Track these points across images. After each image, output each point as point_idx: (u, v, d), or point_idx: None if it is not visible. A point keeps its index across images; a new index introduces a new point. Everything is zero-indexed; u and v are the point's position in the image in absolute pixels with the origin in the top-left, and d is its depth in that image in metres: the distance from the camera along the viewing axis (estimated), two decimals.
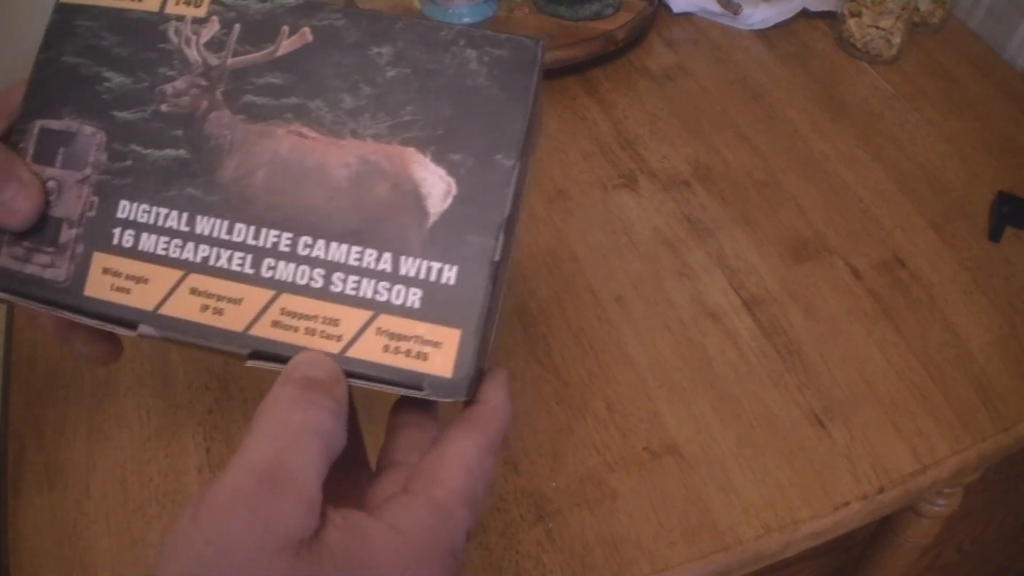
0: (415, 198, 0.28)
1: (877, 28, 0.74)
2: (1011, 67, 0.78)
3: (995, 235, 0.62)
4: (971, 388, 0.54)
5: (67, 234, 0.29)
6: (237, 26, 0.29)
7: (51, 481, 0.48)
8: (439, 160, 0.28)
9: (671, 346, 0.55)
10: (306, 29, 0.29)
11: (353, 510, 0.25)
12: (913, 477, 0.50)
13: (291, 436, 0.24)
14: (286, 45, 0.29)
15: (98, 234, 0.29)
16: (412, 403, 0.30)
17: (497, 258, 0.28)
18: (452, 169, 0.28)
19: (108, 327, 0.29)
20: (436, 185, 0.28)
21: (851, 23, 0.76)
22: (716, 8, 0.79)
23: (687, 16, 0.81)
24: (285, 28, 0.29)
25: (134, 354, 0.53)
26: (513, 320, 0.56)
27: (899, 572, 0.73)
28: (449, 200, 0.28)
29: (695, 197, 0.64)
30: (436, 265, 0.28)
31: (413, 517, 0.25)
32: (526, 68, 0.28)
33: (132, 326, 0.29)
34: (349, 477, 0.29)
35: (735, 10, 0.78)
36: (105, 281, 0.29)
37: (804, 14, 0.80)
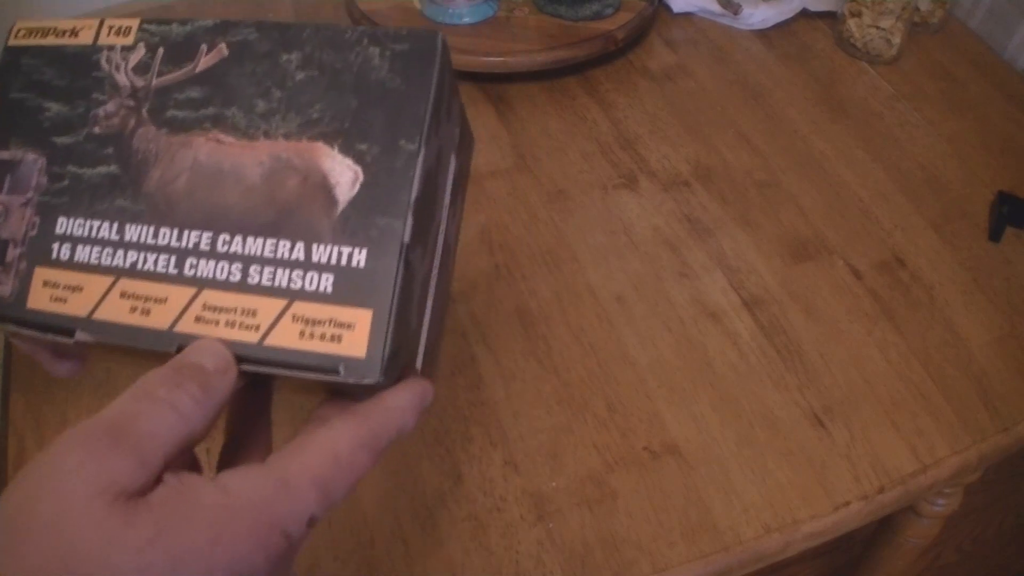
0: (324, 188, 0.29)
1: (877, 28, 0.74)
2: (1011, 67, 0.78)
3: (995, 235, 0.62)
4: (971, 388, 0.54)
5: (12, 253, 0.31)
6: (161, 49, 0.32)
7: None
8: (346, 151, 0.30)
9: (671, 346, 0.55)
10: (222, 45, 0.31)
11: (193, 474, 0.25)
12: (913, 477, 0.50)
13: (148, 404, 0.25)
14: (204, 61, 0.31)
15: (39, 250, 0.31)
16: (331, 402, 0.30)
17: (407, 239, 0.28)
18: (359, 158, 0.29)
19: (49, 337, 0.30)
20: (344, 174, 0.29)
21: (851, 23, 0.76)
22: (716, 8, 0.79)
23: (687, 16, 0.81)
24: (203, 46, 0.31)
25: None
26: (513, 320, 0.56)
27: (899, 572, 0.73)
28: (357, 187, 0.29)
29: (695, 197, 0.64)
30: (346, 249, 0.29)
31: (248, 482, 0.25)
32: (427, 58, 0.30)
33: (70, 333, 0.30)
34: (237, 458, 0.30)
35: (735, 10, 0.78)
36: (45, 293, 0.31)
37: (804, 14, 0.80)
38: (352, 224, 0.29)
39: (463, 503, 0.48)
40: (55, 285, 0.30)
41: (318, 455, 0.26)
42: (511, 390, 0.52)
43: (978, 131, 0.71)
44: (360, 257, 0.28)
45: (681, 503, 0.48)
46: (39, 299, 0.30)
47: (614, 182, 0.65)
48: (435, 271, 0.33)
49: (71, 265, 0.30)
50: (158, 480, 0.25)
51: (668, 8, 0.80)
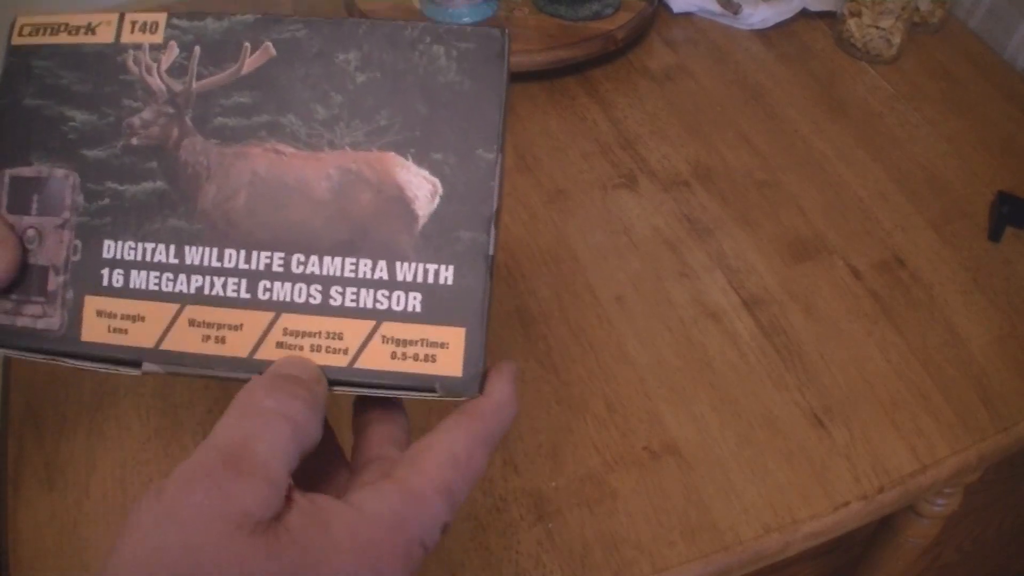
0: (402, 202, 0.28)
1: (877, 28, 0.74)
2: (1011, 67, 0.78)
3: (995, 235, 0.62)
4: (971, 388, 0.54)
5: (54, 281, 0.29)
6: (197, 48, 0.29)
7: (51, 481, 0.48)
8: (421, 161, 0.28)
9: (671, 346, 0.55)
10: (268, 43, 0.29)
11: (321, 495, 0.25)
12: (913, 477, 0.50)
13: (260, 419, 0.24)
14: (250, 62, 0.29)
15: (86, 277, 0.29)
16: (373, 401, 0.29)
17: (491, 251, 0.28)
18: (435, 169, 0.28)
19: (112, 369, 0.29)
20: (421, 187, 0.28)
21: (851, 23, 0.76)
22: (716, 8, 0.79)
23: (687, 16, 0.81)
24: (247, 45, 0.29)
25: None
26: (513, 320, 0.56)
27: (899, 572, 0.73)
28: (436, 200, 0.28)
29: (695, 197, 0.64)
30: (432, 267, 0.28)
31: (381, 500, 0.25)
32: (495, 59, 0.28)
33: (136, 364, 0.28)
34: (327, 477, 0.29)
35: (735, 10, 0.78)
36: (101, 324, 0.28)
37: (804, 14, 0.80)
38: (435, 240, 0.27)
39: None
40: (111, 315, 0.28)
41: (440, 462, 0.26)
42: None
43: (978, 131, 0.71)
44: (447, 274, 0.27)
45: (681, 503, 0.48)
46: (95, 331, 0.28)
47: (614, 182, 0.65)
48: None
49: (126, 292, 0.28)
50: (288, 499, 0.24)
51: (668, 8, 0.80)
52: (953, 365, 0.55)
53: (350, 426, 0.30)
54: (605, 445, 0.50)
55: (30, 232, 0.29)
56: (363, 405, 0.30)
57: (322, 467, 0.29)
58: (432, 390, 0.27)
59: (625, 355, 0.54)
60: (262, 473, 0.23)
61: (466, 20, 0.74)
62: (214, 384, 0.52)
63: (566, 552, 0.46)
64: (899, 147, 0.69)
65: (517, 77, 0.71)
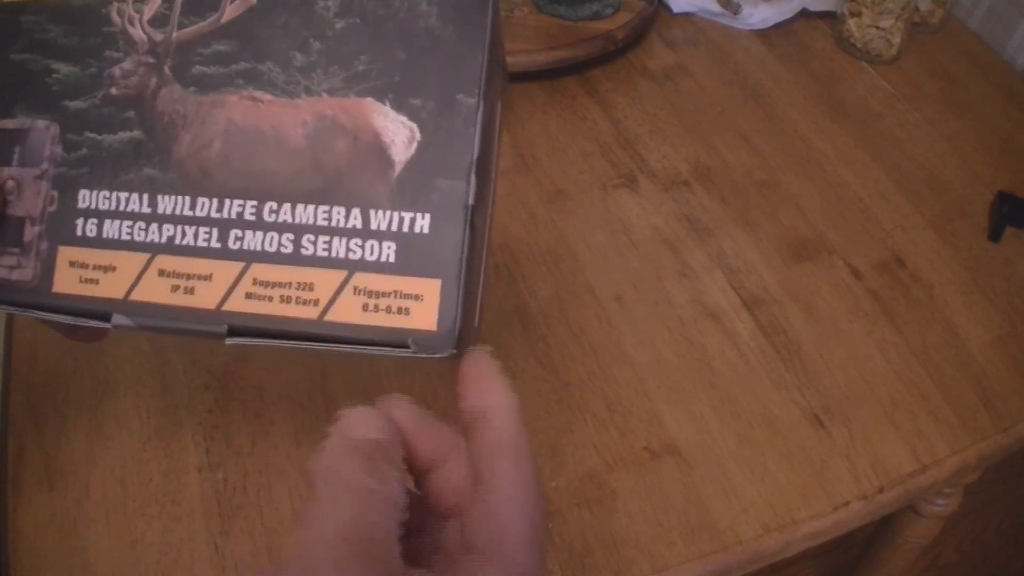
0: (378, 149, 0.27)
1: (877, 28, 0.74)
2: (1011, 67, 0.78)
3: (995, 235, 0.62)
4: (971, 388, 0.54)
5: (30, 232, 0.28)
6: None
7: (51, 481, 0.48)
8: (399, 107, 0.27)
9: (671, 346, 0.55)
10: None
11: (427, 573, 0.24)
12: (913, 477, 0.50)
13: (370, 503, 0.23)
14: (230, 11, 0.28)
15: (61, 228, 0.28)
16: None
17: (471, 201, 0.26)
18: (413, 114, 0.27)
19: (81, 322, 0.28)
20: (398, 133, 0.27)
21: (851, 23, 0.76)
22: (716, 8, 0.79)
23: (687, 16, 0.81)
24: None
25: (134, 353, 0.53)
26: (513, 320, 0.56)
27: (899, 572, 0.73)
28: (414, 146, 0.27)
29: (695, 197, 0.64)
30: (408, 215, 0.27)
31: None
32: (479, 4, 0.27)
33: (105, 317, 0.28)
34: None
35: (735, 10, 0.78)
36: (73, 275, 0.28)
37: (804, 14, 0.80)
38: (411, 187, 0.26)
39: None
40: (83, 265, 0.28)
41: (514, 522, 0.24)
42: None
43: (978, 131, 0.71)
44: (423, 223, 0.26)
45: (680, 503, 0.48)
46: (66, 282, 0.28)
47: (614, 182, 0.65)
48: (488, 225, 0.30)
49: (99, 243, 0.28)
50: None
51: (668, 8, 0.80)
52: (953, 365, 0.55)
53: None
54: (605, 445, 0.50)
55: (10, 183, 0.29)
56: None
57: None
58: (405, 346, 0.26)
59: (625, 355, 0.54)
60: (385, 557, 0.22)
61: None
62: (214, 384, 0.52)
63: (566, 552, 0.46)
64: (899, 147, 0.69)
65: (517, 77, 0.71)
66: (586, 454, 0.50)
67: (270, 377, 0.52)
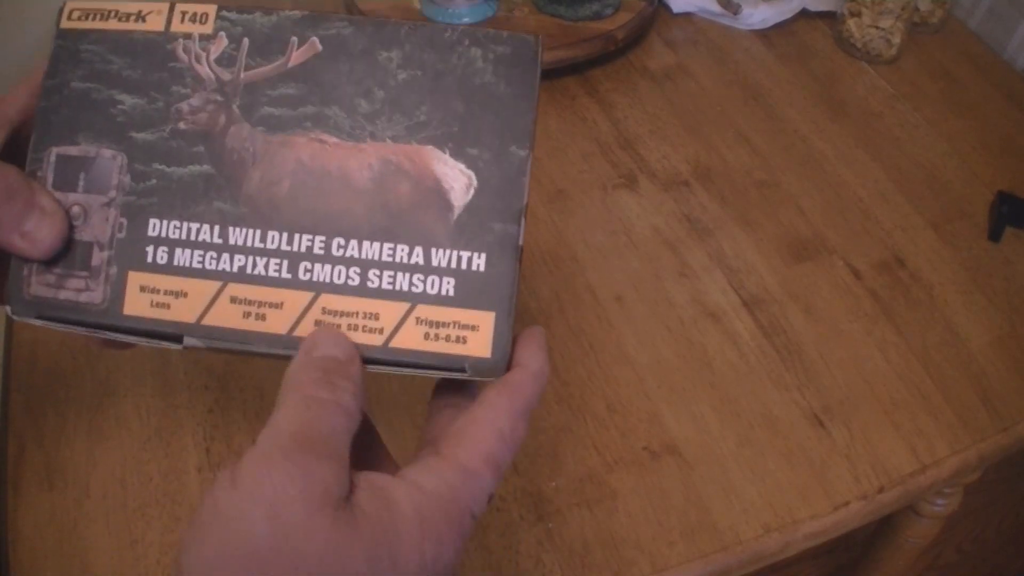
0: (438, 193, 0.29)
1: (877, 28, 0.74)
2: (1011, 67, 0.78)
3: (995, 235, 0.62)
4: (971, 388, 0.54)
5: (99, 257, 0.30)
6: (246, 40, 0.30)
7: (51, 481, 0.48)
8: (457, 155, 0.30)
9: (671, 346, 0.55)
10: (315, 39, 0.30)
11: (377, 473, 0.26)
12: (913, 477, 0.50)
13: (319, 408, 0.26)
14: (296, 56, 0.30)
15: (131, 254, 0.30)
16: (449, 386, 0.31)
17: (521, 242, 0.29)
18: (470, 163, 0.29)
19: (153, 343, 0.30)
20: (457, 179, 0.29)
21: (851, 23, 0.76)
22: (716, 8, 0.79)
23: (687, 16, 0.81)
24: (294, 39, 0.30)
25: (134, 354, 0.53)
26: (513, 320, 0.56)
27: (899, 572, 0.73)
28: (471, 192, 0.29)
29: (695, 197, 0.64)
30: (465, 254, 0.29)
31: (437, 476, 0.26)
32: (529, 63, 0.30)
33: (177, 339, 0.29)
34: (367, 458, 0.30)
35: (735, 10, 0.78)
36: (143, 299, 0.30)
37: (804, 14, 0.80)
38: (469, 229, 0.29)
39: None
40: (154, 290, 0.29)
41: (486, 436, 0.27)
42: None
43: (978, 131, 0.71)
44: (480, 262, 0.29)
45: (681, 503, 0.48)
46: (137, 305, 0.29)
47: (614, 182, 0.65)
48: None
49: (170, 269, 0.29)
50: (351, 481, 0.25)
51: (668, 8, 0.80)
52: (953, 365, 0.55)
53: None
54: (605, 445, 0.50)
55: (75, 209, 0.30)
56: (439, 389, 0.31)
57: (361, 447, 0.30)
58: (462, 370, 0.29)
59: (625, 355, 0.54)
60: (334, 454, 0.25)
61: (466, 20, 0.74)
62: (214, 384, 0.52)
63: (566, 552, 0.46)
64: (899, 147, 0.69)
65: None
66: (586, 454, 0.50)
67: (270, 377, 0.51)
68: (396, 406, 0.52)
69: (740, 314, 0.57)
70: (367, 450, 0.30)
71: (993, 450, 0.52)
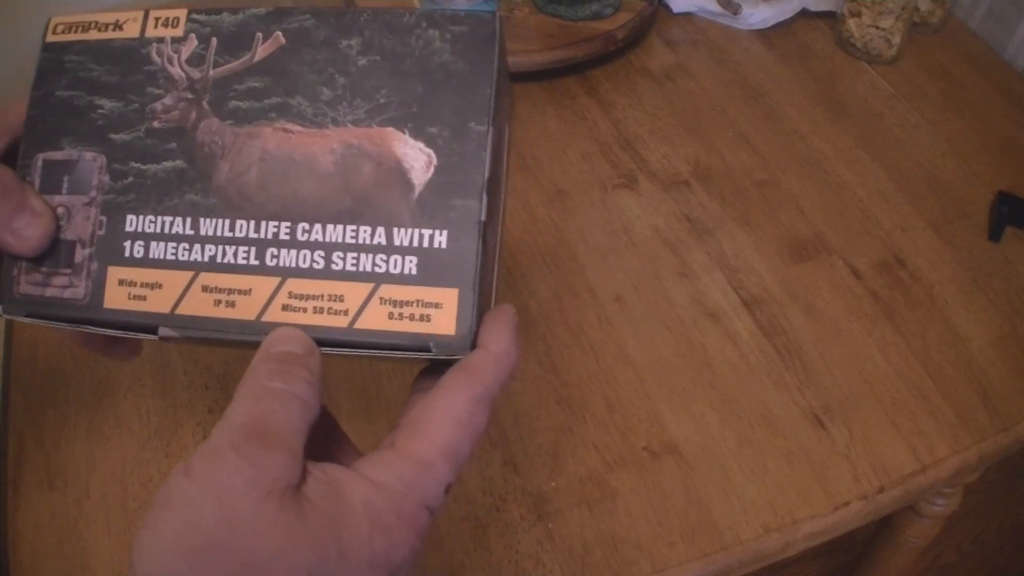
0: (399, 173, 0.30)
1: (877, 28, 0.74)
2: (1011, 67, 0.78)
3: (995, 235, 0.62)
4: (971, 388, 0.54)
5: (81, 254, 0.31)
6: (214, 39, 0.31)
7: (51, 481, 0.48)
8: (417, 135, 0.30)
9: (671, 346, 0.55)
10: (279, 33, 0.31)
11: (331, 464, 0.26)
12: (913, 477, 0.50)
13: (272, 398, 0.26)
14: (262, 50, 0.31)
15: (110, 249, 0.31)
16: (431, 370, 0.31)
17: (483, 218, 0.29)
18: (430, 141, 0.30)
19: (131, 335, 0.31)
20: (417, 158, 0.30)
21: (851, 23, 0.76)
22: (716, 8, 0.79)
23: (687, 16, 0.81)
24: (259, 35, 0.31)
25: None
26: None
27: (899, 572, 0.73)
28: (431, 170, 0.30)
29: (695, 197, 0.64)
30: (427, 232, 0.29)
31: (389, 469, 0.26)
32: (487, 40, 0.30)
33: (153, 330, 0.30)
34: (328, 449, 0.30)
35: (735, 10, 0.78)
36: (122, 292, 0.31)
37: (804, 14, 0.80)
38: (430, 207, 0.29)
39: (462, 503, 0.48)
40: (132, 283, 0.31)
41: (441, 425, 0.27)
42: (510, 390, 0.52)
43: (978, 131, 0.71)
44: (441, 239, 0.29)
45: (681, 503, 0.48)
46: (116, 298, 0.31)
47: (614, 182, 0.65)
48: (500, 235, 0.33)
49: (146, 262, 0.31)
50: (303, 471, 0.25)
51: (668, 8, 0.80)
52: (953, 365, 0.55)
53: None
54: (605, 445, 0.50)
55: (60, 210, 0.31)
56: (419, 375, 0.31)
57: (321, 438, 0.30)
58: (427, 349, 0.29)
59: (625, 355, 0.54)
60: (284, 445, 0.25)
61: None
62: (214, 384, 0.52)
63: (566, 552, 0.46)
64: (899, 147, 0.69)
65: (517, 77, 0.71)
66: (586, 454, 0.50)
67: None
68: (397, 403, 0.52)
69: (740, 314, 0.57)
70: (329, 441, 0.31)
71: (993, 450, 0.52)
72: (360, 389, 0.52)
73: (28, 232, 0.30)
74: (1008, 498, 0.90)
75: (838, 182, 0.66)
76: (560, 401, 0.52)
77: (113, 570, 0.45)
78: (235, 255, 0.30)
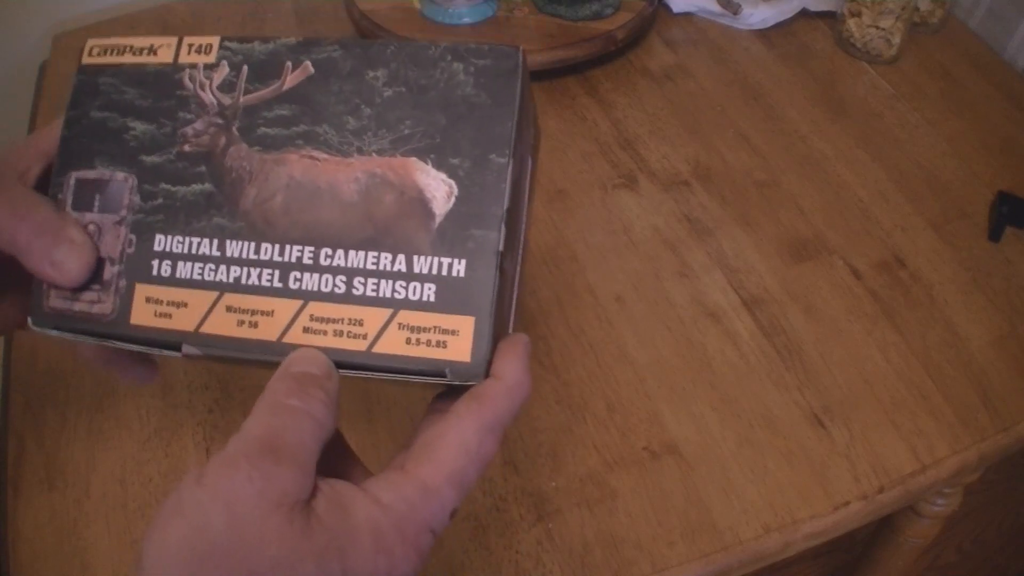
0: (421, 202, 0.30)
1: (877, 28, 0.74)
2: (1011, 67, 0.78)
3: (995, 235, 0.62)
4: (971, 388, 0.54)
5: (110, 271, 0.32)
6: (245, 67, 0.32)
7: (51, 481, 0.48)
8: (439, 165, 0.31)
9: (671, 346, 0.55)
10: (307, 63, 0.32)
11: (341, 481, 0.27)
12: (913, 477, 0.50)
13: (288, 415, 0.27)
14: (291, 79, 0.32)
15: (138, 268, 0.32)
16: (446, 394, 0.31)
17: (501, 248, 0.30)
18: (451, 172, 0.31)
19: (155, 352, 0.32)
20: (439, 188, 0.30)
21: (851, 23, 0.76)
22: (716, 8, 0.79)
23: (687, 16, 0.81)
24: (288, 64, 0.32)
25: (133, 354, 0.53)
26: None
27: (899, 572, 0.73)
28: (452, 201, 0.30)
29: (695, 197, 0.64)
30: (446, 260, 0.30)
31: (396, 491, 0.27)
32: (510, 74, 0.31)
33: (176, 347, 0.31)
34: (337, 465, 0.31)
35: (735, 10, 0.78)
36: (148, 309, 0.32)
37: (804, 14, 0.80)
38: (450, 237, 0.30)
39: (462, 503, 0.48)
40: (158, 301, 0.31)
41: (450, 452, 0.28)
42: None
43: (978, 131, 0.71)
44: (460, 268, 0.30)
45: (681, 503, 0.48)
46: (142, 315, 0.31)
47: (614, 182, 0.65)
48: (519, 264, 0.34)
49: (173, 281, 0.31)
50: (313, 487, 0.26)
51: (668, 8, 0.80)
52: (953, 365, 0.55)
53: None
54: (605, 445, 0.50)
55: (91, 227, 0.32)
56: (439, 397, 0.32)
57: (332, 458, 0.31)
58: (442, 374, 0.29)
59: (625, 355, 0.54)
60: (296, 460, 0.25)
61: (466, 20, 0.74)
62: (213, 384, 0.52)
63: (566, 552, 0.46)
64: (899, 147, 0.69)
65: None
66: (586, 454, 0.50)
67: (269, 377, 0.51)
68: (397, 405, 0.52)
69: (740, 314, 0.57)
70: (339, 458, 0.31)
71: (993, 450, 0.52)
72: (360, 390, 0.52)
73: (69, 264, 0.31)
74: (1008, 498, 0.90)
75: (838, 182, 0.66)
76: (560, 401, 0.52)
77: (113, 570, 0.45)
78: (259, 277, 0.31)
